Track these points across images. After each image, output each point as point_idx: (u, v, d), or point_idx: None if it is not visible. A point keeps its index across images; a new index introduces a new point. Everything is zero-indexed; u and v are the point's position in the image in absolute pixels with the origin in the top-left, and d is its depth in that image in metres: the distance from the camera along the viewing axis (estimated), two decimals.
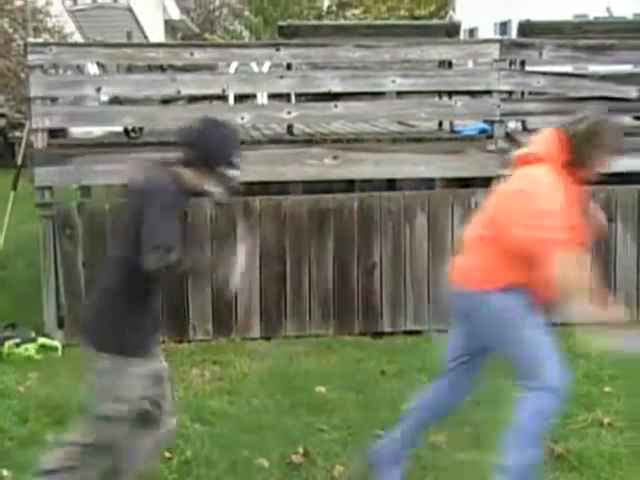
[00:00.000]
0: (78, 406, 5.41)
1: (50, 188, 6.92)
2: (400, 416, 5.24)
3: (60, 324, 6.85)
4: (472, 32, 28.46)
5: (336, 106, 7.12)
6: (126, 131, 7.41)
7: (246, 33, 40.30)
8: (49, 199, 6.87)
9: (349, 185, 7.70)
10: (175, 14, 23.83)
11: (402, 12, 41.32)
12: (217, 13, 43.55)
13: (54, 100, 7.29)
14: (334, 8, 43.54)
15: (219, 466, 4.72)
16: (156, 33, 19.14)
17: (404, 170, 7.19)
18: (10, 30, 18.82)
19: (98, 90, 6.91)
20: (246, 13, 41.47)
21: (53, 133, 7.15)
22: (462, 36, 19.31)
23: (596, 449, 4.86)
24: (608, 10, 15.89)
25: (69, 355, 6.51)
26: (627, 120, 7.82)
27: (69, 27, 14.15)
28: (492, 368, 6.05)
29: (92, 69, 7.47)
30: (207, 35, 31.49)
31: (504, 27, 24.30)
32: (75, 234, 6.81)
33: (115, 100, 7.47)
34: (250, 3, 40.90)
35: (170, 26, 24.68)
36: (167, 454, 4.80)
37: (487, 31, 26.87)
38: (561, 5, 21.17)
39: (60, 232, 6.80)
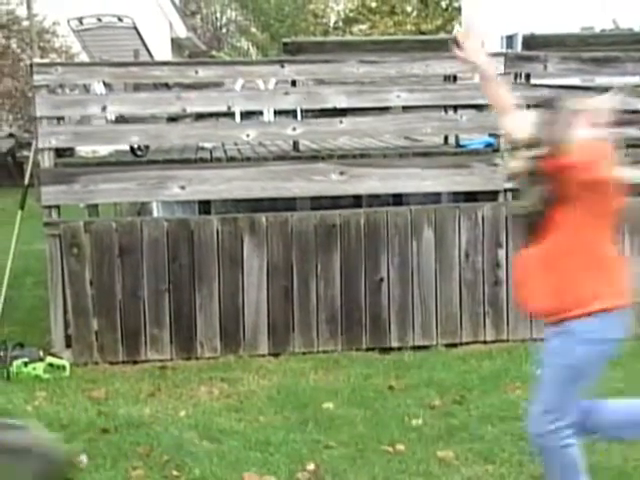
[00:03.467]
0: (86, 425, 5.46)
1: (57, 207, 6.93)
2: (408, 431, 5.25)
3: (68, 343, 6.85)
4: None
5: (341, 122, 7.13)
6: (132, 149, 7.43)
7: (253, 50, 40.46)
8: (56, 218, 6.89)
9: (356, 200, 7.71)
10: (182, 32, 23.84)
11: (409, 27, 41.43)
12: (224, 30, 43.70)
13: (60, 119, 7.32)
14: (341, 24, 43.70)
15: None
16: (163, 51, 19.20)
17: (410, 185, 7.19)
18: (18, 50, 18.95)
19: (104, 109, 6.94)
20: (253, 30, 41.66)
21: (60, 152, 7.18)
22: None
23: (606, 463, 4.82)
24: (614, 22, 15.85)
25: (77, 374, 6.52)
26: (633, 132, 7.80)
27: (77, 47, 14.21)
28: (503, 383, 6.07)
29: (98, 88, 7.49)
30: (214, 52, 31.56)
31: (510, 40, 24.29)
32: (82, 253, 6.82)
33: (121, 119, 7.50)
34: (257, 20, 41.10)
35: (177, 44, 24.71)
36: (175, 472, 4.80)
37: (494, 44, 26.87)
38: (568, 18, 21.17)
39: (67, 251, 6.81)
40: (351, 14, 43.64)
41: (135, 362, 6.81)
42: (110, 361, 6.81)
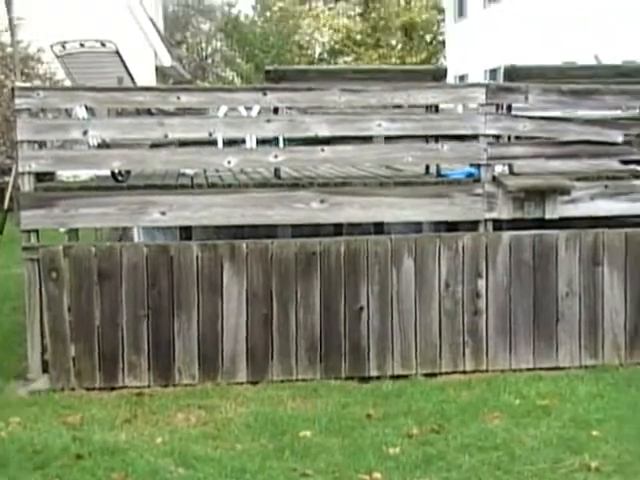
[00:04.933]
0: (60, 451, 5.40)
1: (36, 231, 6.90)
2: (385, 460, 5.21)
3: (45, 368, 6.80)
4: (462, 78, 28.69)
5: (323, 150, 7.15)
6: (113, 174, 7.41)
7: (237, 80, 40.60)
8: (35, 242, 6.85)
9: (337, 229, 7.71)
10: (167, 61, 23.93)
11: (393, 59, 41.75)
12: (209, 60, 43.88)
13: (41, 144, 7.31)
14: (326, 55, 43.97)
15: None
16: (147, 79, 19.25)
17: (391, 214, 7.20)
18: (2, 77, 18.92)
19: (85, 133, 6.93)
20: (238, 60, 41.84)
21: (40, 177, 7.16)
22: (453, 82, 19.35)
23: None
24: (596, 58, 15.98)
25: (53, 399, 6.47)
26: (614, 164, 7.86)
27: (61, 73, 14.19)
28: (482, 413, 6.06)
29: (81, 113, 7.48)
30: (199, 82, 31.66)
31: (494, 73, 24.46)
32: (61, 278, 6.78)
33: (103, 144, 7.49)
34: (242, 50, 41.29)
35: (161, 73, 24.79)
36: None
37: (477, 77, 27.09)
38: (550, 52, 21.37)
39: (46, 275, 6.77)
40: (336, 46, 43.95)
41: (112, 388, 6.75)
42: (87, 387, 6.75)
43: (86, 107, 7.47)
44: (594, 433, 5.64)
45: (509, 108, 7.63)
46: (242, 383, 6.84)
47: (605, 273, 7.22)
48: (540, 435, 5.64)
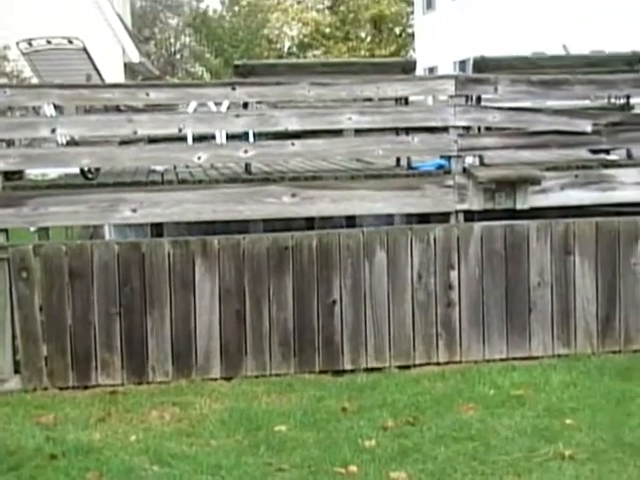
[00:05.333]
0: (33, 451, 5.36)
1: (6, 231, 6.85)
2: (361, 453, 5.21)
3: (16, 369, 6.75)
4: (432, 70, 28.75)
5: (293, 144, 7.13)
6: (82, 172, 7.36)
7: (207, 75, 40.50)
8: (4, 242, 6.80)
9: (309, 223, 7.71)
10: (135, 57, 23.80)
11: (363, 52, 41.76)
12: (178, 56, 43.72)
13: (9, 142, 7.25)
14: (295, 49, 43.92)
15: None
16: (115, 76, 19.11)
17: (363, 207, 7.20)
18: None
19: (53, 131, 6.88)
20: (207, 55, 41.73)
21: (8, 175, 7.10)
22: (422, 74, 19.41)
23: None
24: (564, 47, 16.05)
25: (25, 400, 6.42)
26: (582, 153, 7.90)
27: (28, 71, 14.09)
28: (456, 404, 6.07)
29: (49, 110, 7.42)
30: (168, 78, 31.55)
31: (463, 65, 24.55)
32: (31, 277, 6.73)
33: (72, 141, 7.43)
34: (210, 45, 41.18)
35: (130, 69, 24.64)
36: None
37: (446, 69, 27.17)
38: (519, 43, 21.46)
39: (16, 275, 6.71)
40: (305, 39, 43.91)
41: (85, 387, 6.71)
42: (60, 386, 6.70)
43: (54, 105, 7.41)
44: (568, 422, 5.67)
45: (478, 99, 7.66)
46: (216, 379, 6.82)
47: (576, 262, 7.25)
48: (515, 425, 5.66)
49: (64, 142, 7.38)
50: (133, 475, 5.01)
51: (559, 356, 7.17)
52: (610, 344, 7.28)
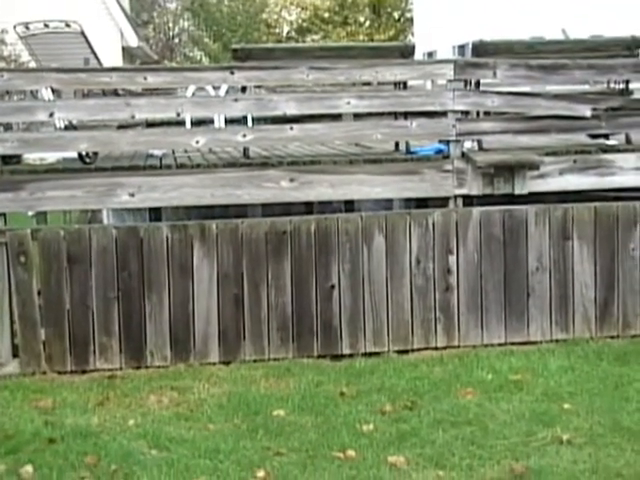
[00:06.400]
0: (32, 435, 5.37)
1: (3, 215, 6.84)
2: (359, 437, 5.22)
3: (15, 353, 6.75)
4: (431, 55, 28.66)
5: (292, 129, 7.12)
6: (80, 156, 7.35)
7: (205, 59, 40.40)
8: (2, 226, 6.79)
9: (308, 207, 7.69)
10: (133, 41, 23.74)
11: (361, 37, 41.65)
12: (176, 40, 43.59)
13: (7, 126, 7.23)
14: (293, 34, 43.80)
15: None
16: (113, 60, 19.06)
17: (361, 191, 7.19)
18: None
19: (51, 115, 6.86)
20: (205, 40, 41.62)
21: (6, 159, 7.09)
22: (421, 58, 19.35)
23: (556, 466, 4.84)
24: (564, 32, 16.01)
25: (24, 384, 6.42)
26: (581, 138, 7.89)
27: (26, 55, 14.04)
28: (454, 389, 6.08)
29: (47, 94, 7.40)
30: (166, 62, 31.49)
31: (462, 50, 24.47)
32: (29, 261, 6.72)
33: (70, 126, 7.41)
34: (209, 30, 41.07)
35: (128, 53, 24.58)
36: None
37: (445, 54, 27.05)
38: (518, 28, 21.38)
39: (14, 260, 6.70)
40: (304, 24, 43.79)
41: (84, 371, 6.72)
42: (58, 371, 6.71)
43: (52, 89, 7.39)
44: (566, 406, 5.68)
45: (477, 84, 7.64)
46: (214, 363, 6.82)
47: (575, 247, 7.24)
48: (512, 409, 5.67)
49: (62, 126, 7.36)
50: (131, 459, 5.01)
51: (557, 341, 7.17)
52: (608, 329, 7.29)
